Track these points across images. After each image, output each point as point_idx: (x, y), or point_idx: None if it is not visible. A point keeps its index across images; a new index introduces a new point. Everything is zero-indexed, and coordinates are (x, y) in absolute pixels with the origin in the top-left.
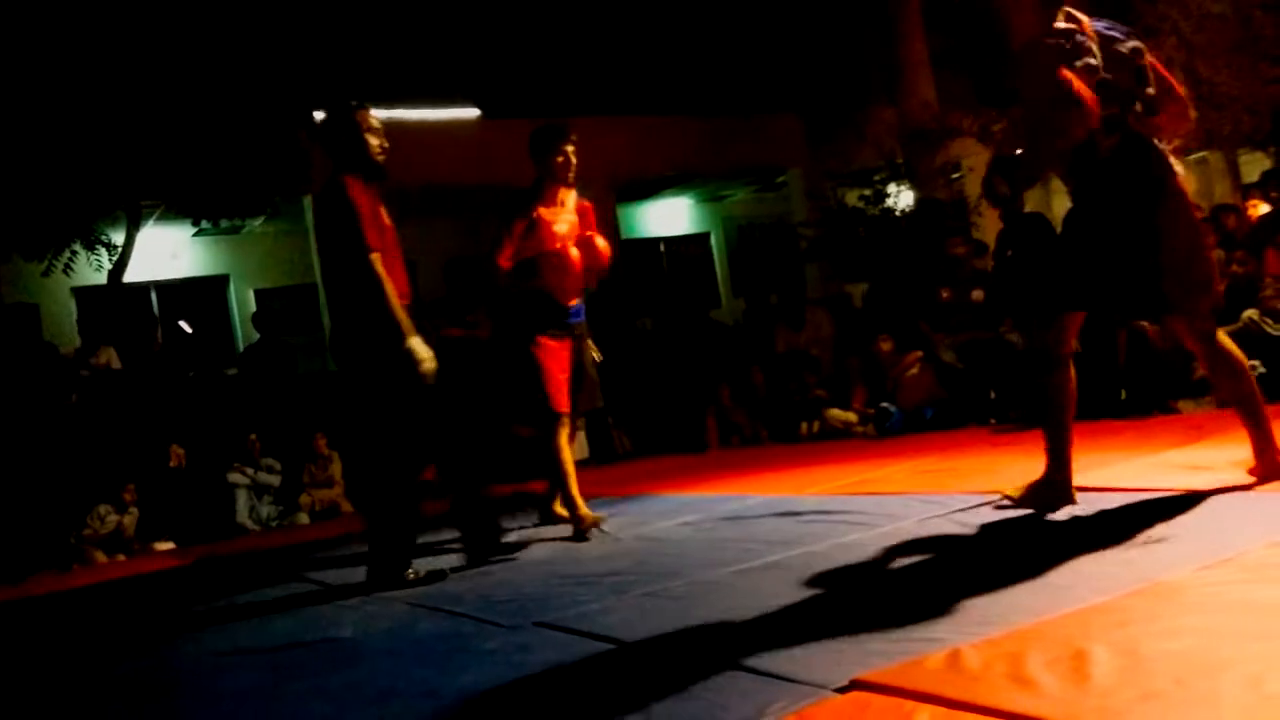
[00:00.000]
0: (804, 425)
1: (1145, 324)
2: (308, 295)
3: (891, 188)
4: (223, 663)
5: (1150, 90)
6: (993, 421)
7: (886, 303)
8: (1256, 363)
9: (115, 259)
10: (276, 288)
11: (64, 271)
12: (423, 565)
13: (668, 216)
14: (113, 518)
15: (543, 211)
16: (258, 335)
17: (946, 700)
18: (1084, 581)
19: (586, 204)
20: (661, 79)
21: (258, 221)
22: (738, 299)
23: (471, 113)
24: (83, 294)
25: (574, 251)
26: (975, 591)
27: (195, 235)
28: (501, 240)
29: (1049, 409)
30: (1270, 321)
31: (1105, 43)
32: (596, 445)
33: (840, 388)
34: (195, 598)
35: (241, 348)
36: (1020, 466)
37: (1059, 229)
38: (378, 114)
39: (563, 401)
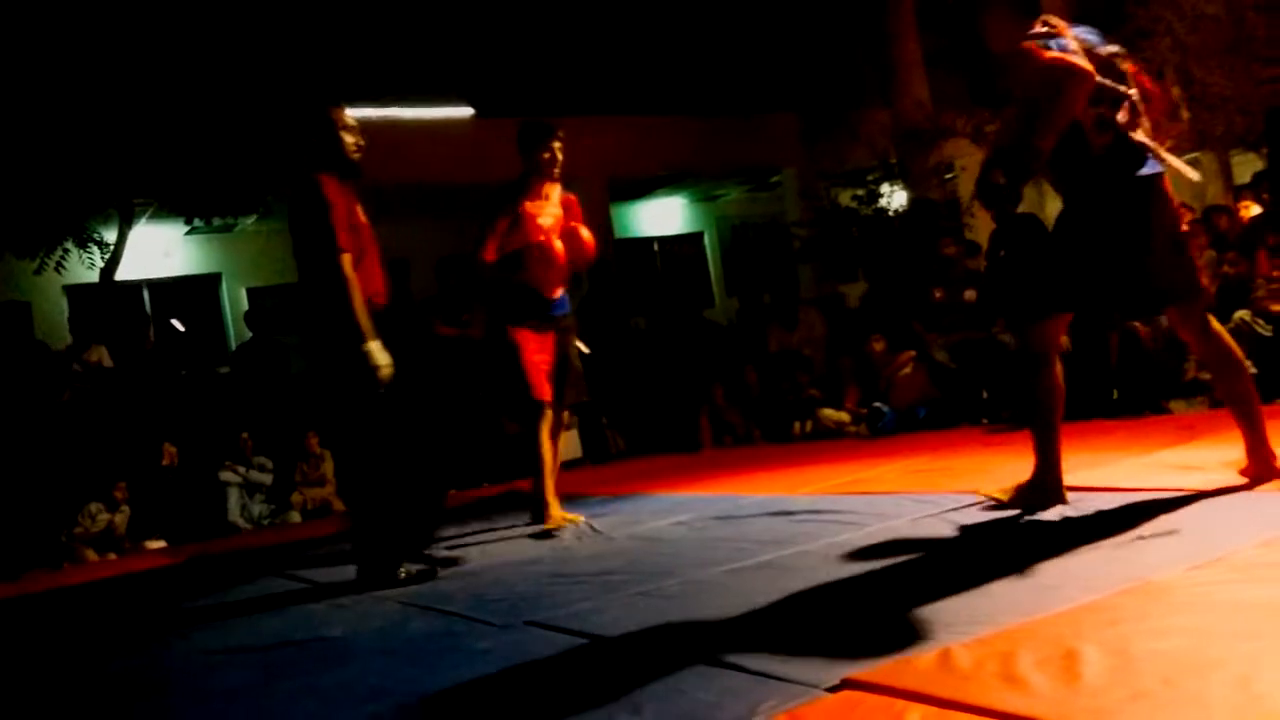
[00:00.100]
0: (797, 425)
1: (1137, 324)
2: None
3: (885, 188)
4: (214, 661)
5: (1133, 92)
6: (985, 421)
7: (879, 303)
8: (1248, 363)
9: (107, 257)
10: (269, 286)
11: (56, 269)
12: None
13: (661, 216)
14: (104, 516)
15: (527, 206)
16: (250, 334)
17: (937, 699)
18: (1074, 581)
19: (571, 197)
20: (655, 78)
21: (250, 220)
22: (731, 299)
23: (465, 112)
24: (75, 292)
25: (558, 244)
26: (966, 591)
27: (188, 233)
28: (485, 235)
29: (1037, 409)
30: (1261, 322)
31: (1085, 47)
32: (590, 445)
33: (833, 387)
34: (186, 596)
35: (234, 346)
36: (1012, 466)
37: (1051, 230)
38: (373, 113)
39: (543, 390)
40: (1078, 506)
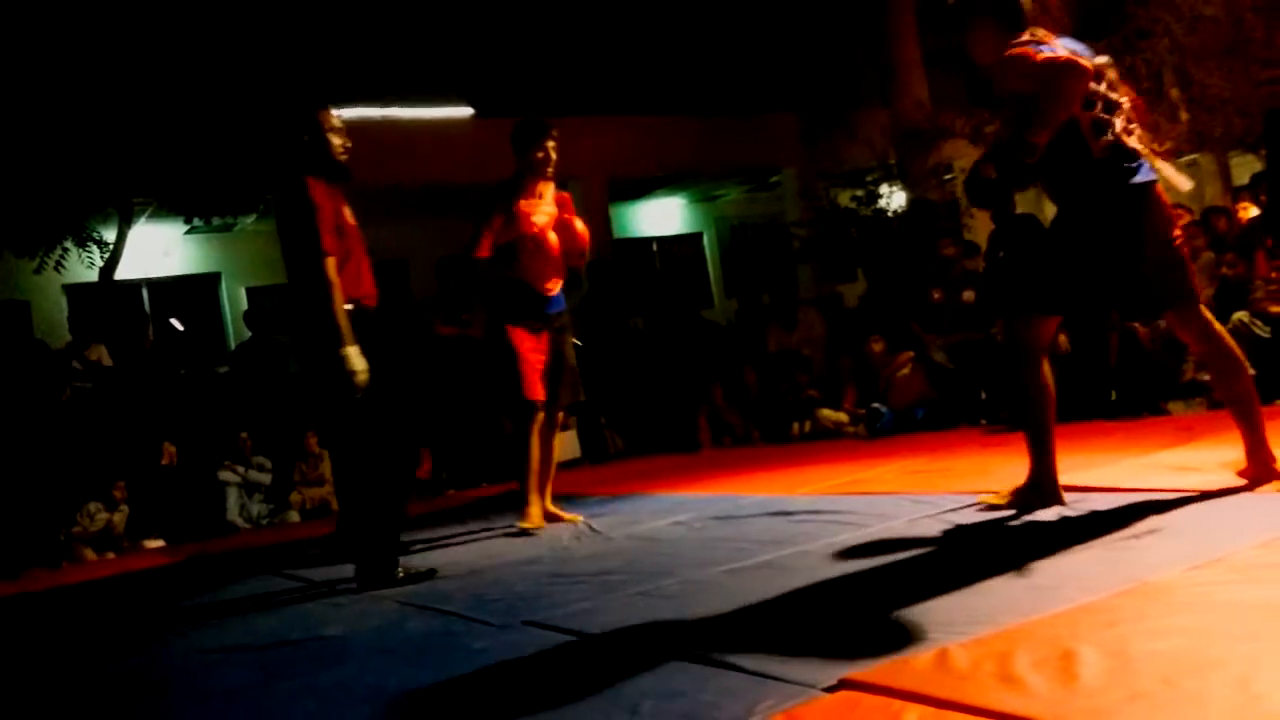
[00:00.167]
0: (796, 425)
1: (1136, 325)
2: None
3: (884, 188)
4: (212, 661)
5: (1125, 100)
6: (983, 422)
7: (878, 303)
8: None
9: (107, 256)
10: (268, 286)
11: (55, 269)
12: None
13: (660, 216)
14: (103, 515)
15: (522, 204)
16: (249, 333)
17: (935, 700)
18: (1072, 581)
19: (565, 195)
20: (655, 78)
21: (250, 219)
22: (730, 299)
23: (465, 112)
24: (74, 291)
25: (551, 237)
26: (964, 591)
27: (187, 233)
28: (480, 233)
29: (1029, 409)
30: (1260, 324)
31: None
32: (588, 445)
33: (832, 388)
34: (185, 595)
35: (233, 346)
36: (1011, 467)
37: (1047, 232)
38: (373, 113)
39: (536, 390)
40: (1076, 507)
